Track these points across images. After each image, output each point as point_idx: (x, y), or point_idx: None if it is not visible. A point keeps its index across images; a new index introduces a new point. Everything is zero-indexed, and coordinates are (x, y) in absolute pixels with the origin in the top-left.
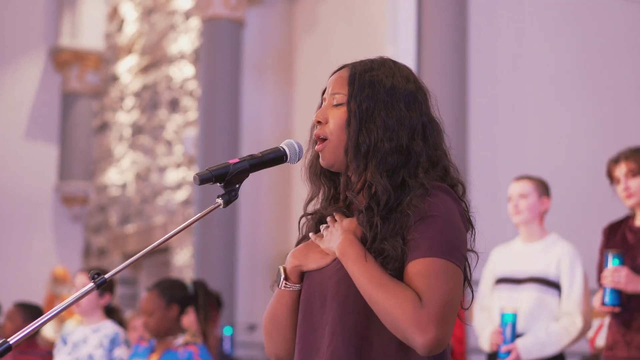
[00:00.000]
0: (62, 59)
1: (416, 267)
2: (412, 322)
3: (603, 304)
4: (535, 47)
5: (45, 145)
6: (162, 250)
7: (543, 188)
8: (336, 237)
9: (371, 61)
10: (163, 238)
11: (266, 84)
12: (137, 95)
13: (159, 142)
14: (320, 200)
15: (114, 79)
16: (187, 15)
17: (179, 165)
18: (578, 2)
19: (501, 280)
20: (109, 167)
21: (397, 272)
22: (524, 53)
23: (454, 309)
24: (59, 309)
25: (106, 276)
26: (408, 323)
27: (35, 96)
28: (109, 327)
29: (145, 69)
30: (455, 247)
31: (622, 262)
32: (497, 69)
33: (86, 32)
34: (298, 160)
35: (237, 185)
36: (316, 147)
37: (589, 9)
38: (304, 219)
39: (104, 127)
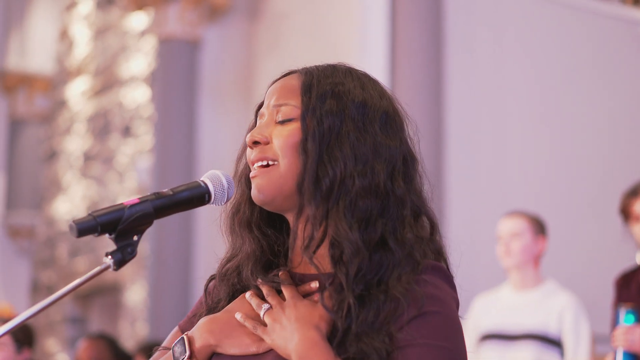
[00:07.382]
0: (8, 83)
1: None
2: None
3: None
4: (516, 68)
5: None
6: (111, 289)
7: (538, 226)
8: (290, 332)
9: (332, 66)
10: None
11: (225, 108)
12: (89, 120)
13: (110, 171)
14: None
15: (63, 103)
16: (142, 34)
17: (132, 195)
18: (561, 22)
19: (489, 337)
20: (57, 196)
21: None
22: (504, 78)
23: None
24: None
25: None
26: None
27: None
28: None
29: (97, 93)
30: (461, 356)
31: (637, 319)
32: (476, 93)
33: (35, 53)
34: (226, 202)
35: (136, 238)
36: (252, 173)
37: (573, 30)
38: (213, 282)
39: (53, 154)
